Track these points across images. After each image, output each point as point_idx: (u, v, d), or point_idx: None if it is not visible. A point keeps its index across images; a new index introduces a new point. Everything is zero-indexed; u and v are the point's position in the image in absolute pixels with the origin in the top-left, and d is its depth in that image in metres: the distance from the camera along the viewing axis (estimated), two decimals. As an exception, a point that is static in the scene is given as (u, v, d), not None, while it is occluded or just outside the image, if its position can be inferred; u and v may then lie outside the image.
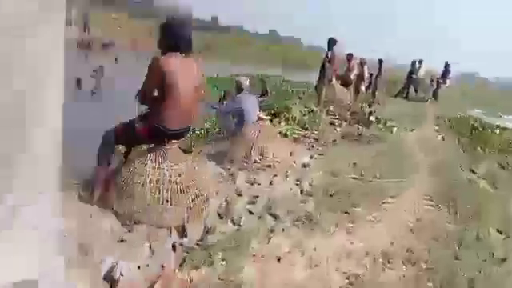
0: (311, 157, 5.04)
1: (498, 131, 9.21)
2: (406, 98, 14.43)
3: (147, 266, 2.24)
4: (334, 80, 9.27)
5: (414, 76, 14.64)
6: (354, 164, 4.77)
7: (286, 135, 5.82)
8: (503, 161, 6.38)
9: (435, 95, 14.63)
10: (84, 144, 2.99)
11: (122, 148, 3.09)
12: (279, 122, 6.34)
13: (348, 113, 8.16)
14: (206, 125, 6.38)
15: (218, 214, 3.00)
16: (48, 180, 1.20)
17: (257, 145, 4.28)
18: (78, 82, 9.46)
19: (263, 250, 2.57)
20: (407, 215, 3.65)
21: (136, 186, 2.69)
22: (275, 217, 3.06)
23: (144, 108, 2.91)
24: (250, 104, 4.81)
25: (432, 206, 4.03)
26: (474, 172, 5.55)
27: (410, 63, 14.88)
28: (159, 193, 2.71)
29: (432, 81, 15.11)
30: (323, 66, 8.61)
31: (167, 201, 2.71)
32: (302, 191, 3.70)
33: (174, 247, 2.50)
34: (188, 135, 5.51)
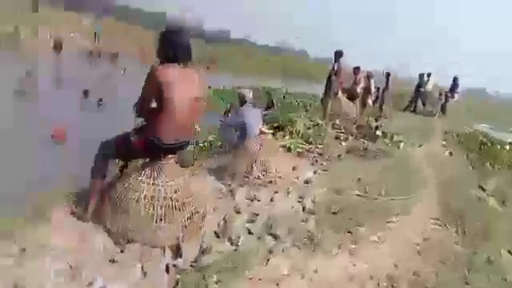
0: (315, 172, 4.93)
1: (508, 147, 9.01)
2: (414, 111, 14.27)
3: (138, 288, 2.14)
4: (340, 93, 9.18)
5: (421, 89, 14.49)
6: (359, 180, 4.64)
7: (289, 149, 5.71)
8: (513, 178, 6.21)
9: (443, 109, 14.46)
10: (87, 153, 2.94)
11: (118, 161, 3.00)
12: (283, 136, 6.23)
13: (354, 127, 8.03)
14: (210, 137, 6.30)
15: (215, 233, 2.89)
16: None
17: (259, 159, 4.18)
18: (85, 92, 9.74)
19: (261, 273, 2.44)
20: (413, 235, 3.51)
21: (130, 203, 2.59)
22: (275, 237, 2.93)
23: (140, 120, 2.82)
24: (253, 117, 4.72)
25: (439, 225, 3.88)
26: (482, 189, 5.40)
27: (418, 76, 14.75)
28: (154, 210, 2.59)
29: (440, 94, 14.96)
30: (329, 79, 8.54)
31: (162, 218, 2.60)
32: (303, 209, 3.58)
33: (167, 268, 2.39)
34: (192, 148, 5.51)
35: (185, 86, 2.63)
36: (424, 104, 14.79)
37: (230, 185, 3.87)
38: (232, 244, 2.76)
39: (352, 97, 10.27)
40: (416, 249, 3.26)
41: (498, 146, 8.90)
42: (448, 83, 15.07)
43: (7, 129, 6.30)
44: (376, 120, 9.71)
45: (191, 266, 2.46)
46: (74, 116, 8.08)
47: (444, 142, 8.63)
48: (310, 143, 6.19)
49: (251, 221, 3.13)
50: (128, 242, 2.52)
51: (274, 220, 3.18)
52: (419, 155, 6.78)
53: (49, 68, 13.92)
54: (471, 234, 3.73)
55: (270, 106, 9.26)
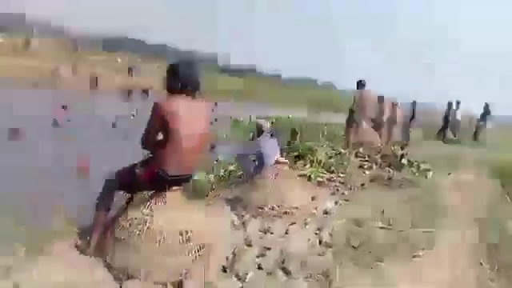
0: (336, 202, 4.70)
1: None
2: (443, 140, 13.77)
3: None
4: (363, 122, 8.98)
5: (450, 118, 14.03)
6: (383, 211, 4.38)
7: (309, 178, 5.52)
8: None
9: (475, 137, 13.89)
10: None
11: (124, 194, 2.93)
12: (304, 165, 6.06)
13: (378, 155, 7.74)
14: (232, 167, 6.19)
15: (223, 267, 2.72)
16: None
17: (275, 189, 4.02)
18: (113, 124, 10.81)
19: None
20: (442, 272, 3.20)
21: (132, 237, 2.48)
22: (287, 272, 2.73)
23: (147, 153, 2.76)
24: (270, 147, 4.64)
25: (472, 260, 3.54)
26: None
27: (447, 104, 14.34)
28: (157, 243, 2.48)
29: (471, 123, 14.44)
30: (352, 109, 8.39)
31: (166, 252, 2.48)
32: (320, 242, 3.35)
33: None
34: (208, 178, 5.41)
35: (191, 117, 2.57)
36: (454, 133, 14.28)
37: (242, 216, 3.71)
38: (239, 280, 2.58)
39: (377, 126, 10.05)
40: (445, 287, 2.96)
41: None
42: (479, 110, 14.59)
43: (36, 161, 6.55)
44: (402, 148, 9.35)
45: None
46: (101, 148, 8.32)
47: (477, 172, 8.16)
48: (332, 172, 5.98)
49: (262, 255, 2.94)
50: (128, 278, 2.39)
51: (287, 254, 2.98)
52: (448, 185, 6.40)
53: (83, 104, 14.47)
54: (508, 270, 3.37)
55: (292, 141, 9.14)
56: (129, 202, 2.86)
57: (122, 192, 2.86)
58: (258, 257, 2.91)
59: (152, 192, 2.73)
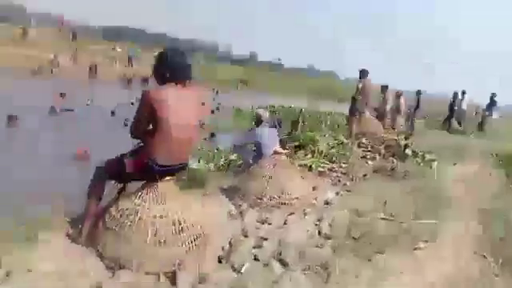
0: (337, 193, 4.61)
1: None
2: (449, 130, 13.58)
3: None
4: (366, 112, 8.83)
5: (455, 108, 13.81)
6: (385, 202, 4.27)
7: (310, 168, 5.42)
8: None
9: (481, 128, 13.69)
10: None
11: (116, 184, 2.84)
12: (305, 155, 5.95)
13: (382, 146, 7.60)
14: (233, 156, 6.09)
15: (219, 258, 2.64)
16: None
17: (273, 179, 3.92)
18: (113, 112, 11.02)
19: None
20: (444, 265, 3.10)
21: (123, 227, 2.40)
22: (284, 264, 2.65)
23: (137, 142, 2.66)
24: (268, 137, 4.56)
25: (476, 254, 3.44)
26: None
27: (452, 94, 14.11)
28: (149, 234, 2.39)
29: (476, 113, 14.23)
30: (354, 98, 8.25)
31: (158, 243, 2.39)
32: (319, 233, 3.26)
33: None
34: (206, 167, 5.33)
35: (181, 106, 2.47)
36: (459, 123, 14.08)
37: (240, 206, 3.62)
38: (235, 271, 2.50)
39: (380, 116, 9.91)
40: (447, 281, 2.86)
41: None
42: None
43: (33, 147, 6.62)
44: (406, 138, 9.20)
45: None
46: (100, 135, 8.30)
47: (482, 163, 8.01)
48: (334, 162, 5.88)
49: (259, 246, 2.85)
50: (120, 268, 2.32)
51: (284, 245, 2.89)
52: (453, 176, 6.27)
53: (82, 92, 14.37)
54: (512, 263, 3.27)
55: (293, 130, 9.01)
56: (120, 192, 2.78)
57: (113, 182, 2.78)
58: (254, 248, 2.83)
59: (143, 182, 2.64)
